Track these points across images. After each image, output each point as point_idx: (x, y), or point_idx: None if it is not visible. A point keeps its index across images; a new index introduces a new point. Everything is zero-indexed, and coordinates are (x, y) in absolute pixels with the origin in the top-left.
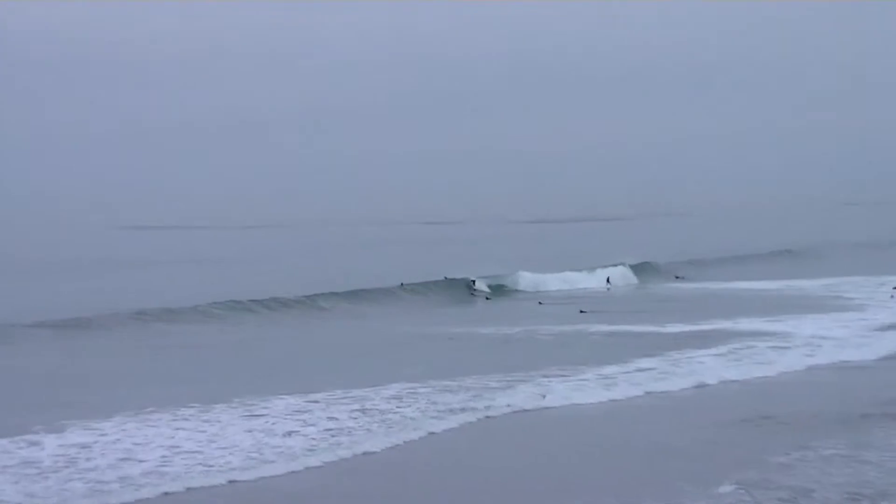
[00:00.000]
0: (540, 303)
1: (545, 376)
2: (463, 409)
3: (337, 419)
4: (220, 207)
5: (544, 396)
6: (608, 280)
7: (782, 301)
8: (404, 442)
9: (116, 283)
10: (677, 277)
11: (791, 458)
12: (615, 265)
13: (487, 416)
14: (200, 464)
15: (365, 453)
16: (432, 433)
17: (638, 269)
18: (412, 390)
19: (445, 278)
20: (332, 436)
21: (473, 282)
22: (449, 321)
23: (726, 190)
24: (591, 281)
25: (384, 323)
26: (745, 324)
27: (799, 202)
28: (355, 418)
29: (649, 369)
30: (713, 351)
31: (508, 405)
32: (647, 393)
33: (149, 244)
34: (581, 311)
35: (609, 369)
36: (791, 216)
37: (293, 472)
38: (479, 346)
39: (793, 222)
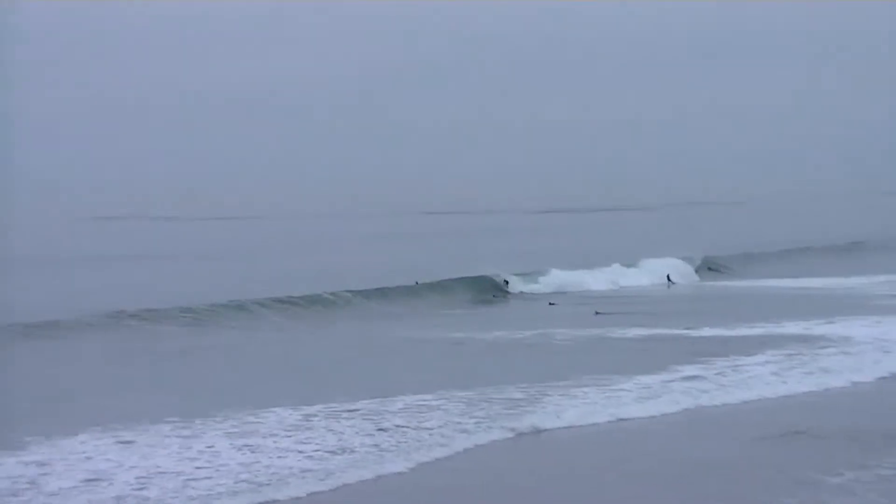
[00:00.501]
0: (551, 303)
1: (578, 386)
2: (490, 426)
3: (342, 435)
4: (204, 195)
5: (581, 411)
6: (669, 278)
7: (837, 300)
8: (424, 463)
9: (88, 281)
10: (711, 269)
11: (845, 479)
12: (666, 259)
13: (520, 433)
14: (182, 488)
15: (379, 477)
16: (459, 452)
17: (692, 263)
18: (424, 402)
19: (471, 277)
20: (338, 455)
21: (506, 282)
22: (453, 324)
23: (766, 176)
24: (641, 278)
25: (380, 327)
26: (795, 326)
27: (836, 191)
28: (366, 434)
29: (693, 378)
30: (763, 357)
31: (539, 422)
32: (695, 406)
33: (120, 236)
34: (597, 313)
35: (648, 378)
36: (834, 207)
37: (295, 498)
38: (490, 352)
39: (839, 213)
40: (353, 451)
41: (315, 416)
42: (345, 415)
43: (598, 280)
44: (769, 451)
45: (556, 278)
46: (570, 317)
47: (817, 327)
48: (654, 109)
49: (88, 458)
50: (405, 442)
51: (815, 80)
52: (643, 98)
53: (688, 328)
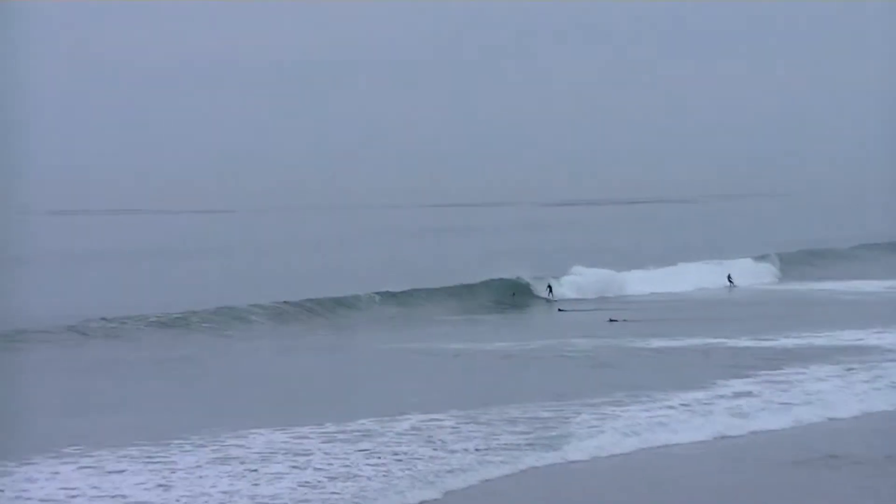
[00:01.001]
0: (560, 309)
1: (612, 403)
2: (517, 453)
3: (345, 461)
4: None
5: (612, 437)
6: (730, 279)
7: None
8: (442, 496)
9: (50, 286)
10: (730, 282)
11: None
12: (730, 258)
13: (552, 462)
14: None
15: None
16: (484, 481)
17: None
18: (432, 422)
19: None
20: (340, 482)
21: (549, 288)
22: (452, 335)
23: (814, 167)
24: (701, 278)
25: (374, 337)
26: (847, 335)
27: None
28: (373, 461)
29: (744, 395)
30: (822, 371)
31: (574, 448)
32: (751, 432)
33: (79, 233)
34: (611, 320)
35: (693, 395)
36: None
37: None
38: (499, 366)
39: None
40: (356, 478)
41: (307, 437)
42: (341, 436)
43: (646, 281)
44: (844, 481)
45: (596, 279)
46: (584, 324)
47: (871, 337)
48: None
49: (42, 487)
50: (424, 469)
51: (858, 69)
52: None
53: (728, 336)
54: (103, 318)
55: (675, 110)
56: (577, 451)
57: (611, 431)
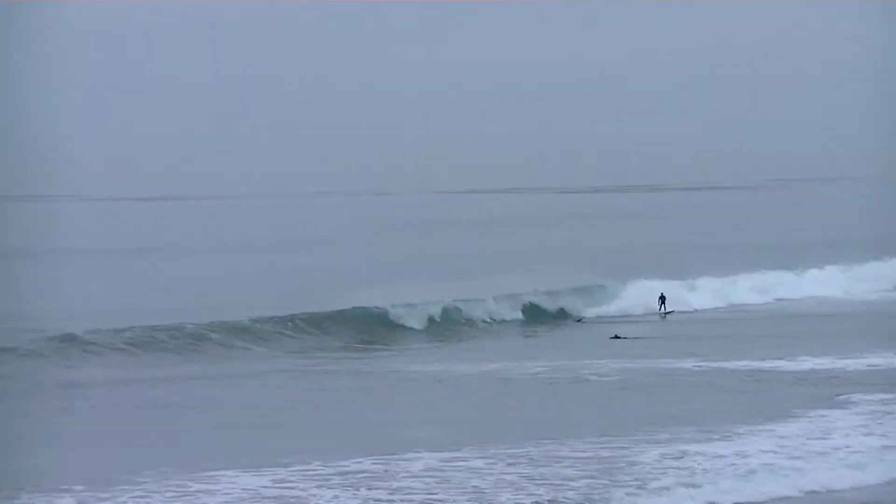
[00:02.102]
0: (579, 320)
1: (680, 440)
2: None
3: None
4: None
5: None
6: (662, 302)
7: None
8: None
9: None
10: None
11: None
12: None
13: None
14: None
15: None
16: None
17: None
18: (450, 462)
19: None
20: None
21: (662, 300)
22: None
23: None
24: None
25: (375, 364)
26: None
27: None
28: None
29: (859, 428)
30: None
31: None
32: None
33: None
34: (616, 337)
35: (783, 429)
36: None
37: None
38: (497, 391)
39: None
40: None
41: (289, 480)
42: (336, 479)
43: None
44: None
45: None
46: (591, 341)
47: None
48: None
49: None
50: None
51: None
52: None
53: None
54: (84, 333)
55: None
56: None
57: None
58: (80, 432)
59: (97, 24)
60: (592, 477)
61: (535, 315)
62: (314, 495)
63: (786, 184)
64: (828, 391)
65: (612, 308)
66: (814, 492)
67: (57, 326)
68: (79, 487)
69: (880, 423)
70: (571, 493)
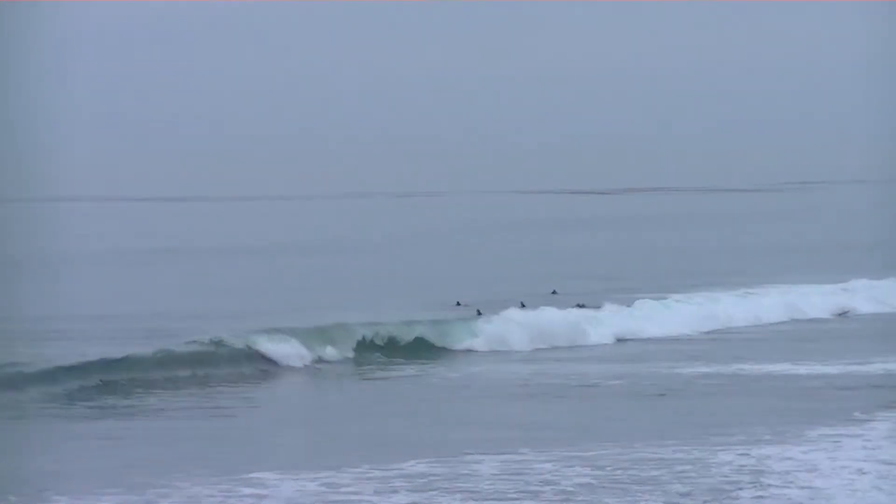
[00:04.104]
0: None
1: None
2: None
3: None
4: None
5: None
6: None
7: None
8: None
9: None
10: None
11: None
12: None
13: None
14: None
15: None
16: None
17: None
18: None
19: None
20: None
21: None
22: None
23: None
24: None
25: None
26: None
27: None
28: None
29: None
30: None
31: None
32: None
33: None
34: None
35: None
36: None
37: None
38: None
39: None
40: None
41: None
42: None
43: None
44: None
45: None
46: None
47: None
48: None
49: None
50: None
51: None
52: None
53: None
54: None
55: None
56: None
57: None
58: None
59: (97, 24)
60: (679, 479)
61: None
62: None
63: (804, 186)
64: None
65: None
66: None
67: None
68: (113, 490)
69: None
70: (678, 496)
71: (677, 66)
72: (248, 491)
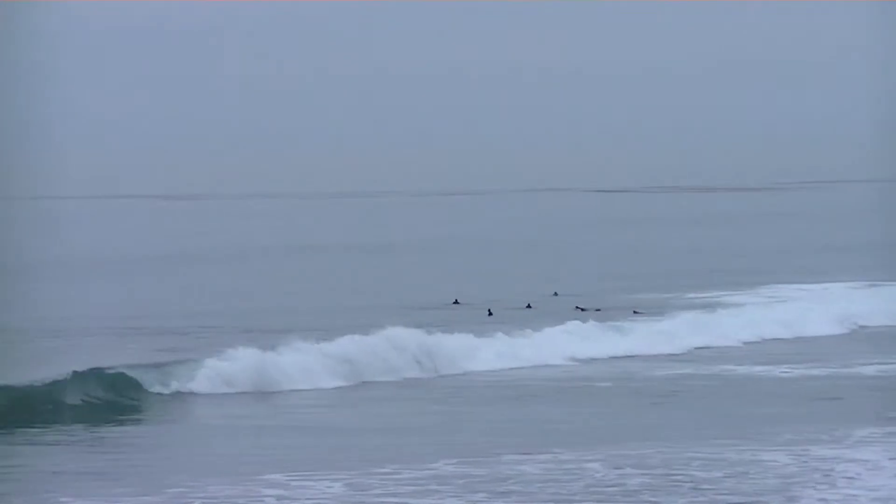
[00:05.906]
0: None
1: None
2: None
3: None
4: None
5: None
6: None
7: None
8: None
9: None
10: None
11: None
12: None
13: None
14: None
15: None
16: None
17: None
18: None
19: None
20: None
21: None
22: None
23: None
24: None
25: None
26: None
27: None
28: None
29: None
30: None
31: None
32: None
33: None
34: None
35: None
36: None
37: None
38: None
39: None
40: None
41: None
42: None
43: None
44: None
45: None
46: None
47: None
48: None
49: None
50: None
51: None
52: None
53: None
54: None
55: None
56: None
57: None
58: None
59: (97, 24)
60: (734, 477)
61: None
62: None
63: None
64: None
65: None
66: None
67: None
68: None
69: None
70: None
71: (682, 66)
72: None
